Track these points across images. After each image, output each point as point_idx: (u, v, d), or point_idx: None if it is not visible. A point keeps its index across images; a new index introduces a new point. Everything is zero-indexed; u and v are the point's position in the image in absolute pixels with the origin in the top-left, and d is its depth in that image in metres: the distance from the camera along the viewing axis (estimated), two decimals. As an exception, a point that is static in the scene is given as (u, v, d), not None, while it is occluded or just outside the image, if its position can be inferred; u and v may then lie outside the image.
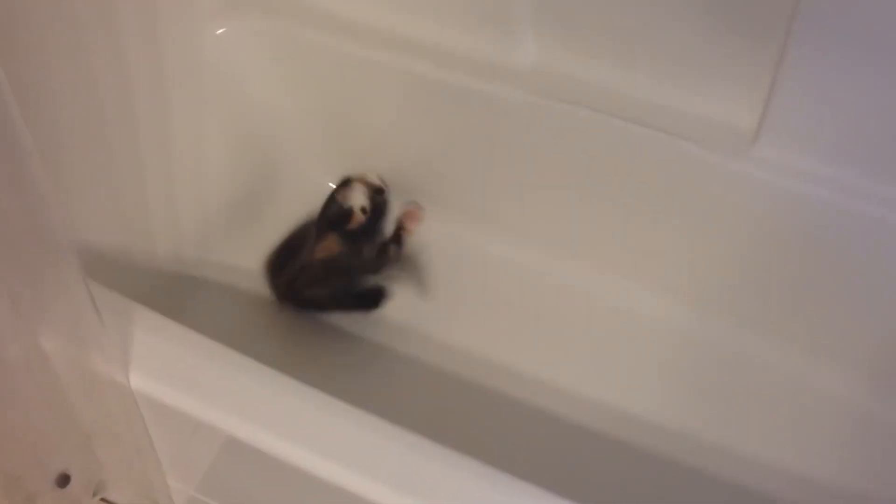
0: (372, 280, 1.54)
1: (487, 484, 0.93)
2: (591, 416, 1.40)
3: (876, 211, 1.27)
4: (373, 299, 1.52)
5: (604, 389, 1.43)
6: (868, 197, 1.27)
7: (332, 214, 1.55)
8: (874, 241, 1.30)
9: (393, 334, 1.51)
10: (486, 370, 1.45)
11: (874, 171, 1.27)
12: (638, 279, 1.53)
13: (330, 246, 1.52)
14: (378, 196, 1.58)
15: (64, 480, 1.12)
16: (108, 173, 1.37)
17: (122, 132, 1.37)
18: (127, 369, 1.02)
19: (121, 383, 1.02)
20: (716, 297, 1.48)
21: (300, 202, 1.63)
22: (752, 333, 1.46)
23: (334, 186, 1.61)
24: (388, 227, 1.60)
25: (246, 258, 1.56)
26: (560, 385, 1.44)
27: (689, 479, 1.34)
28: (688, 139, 1.33)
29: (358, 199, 1.55)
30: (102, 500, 1.26)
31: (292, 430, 0.97)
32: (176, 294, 1.42)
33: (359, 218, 1.54)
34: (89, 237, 1.30)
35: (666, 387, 1.44)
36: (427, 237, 1.62)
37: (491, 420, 1.40)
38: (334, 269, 1.51)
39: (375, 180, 1.59)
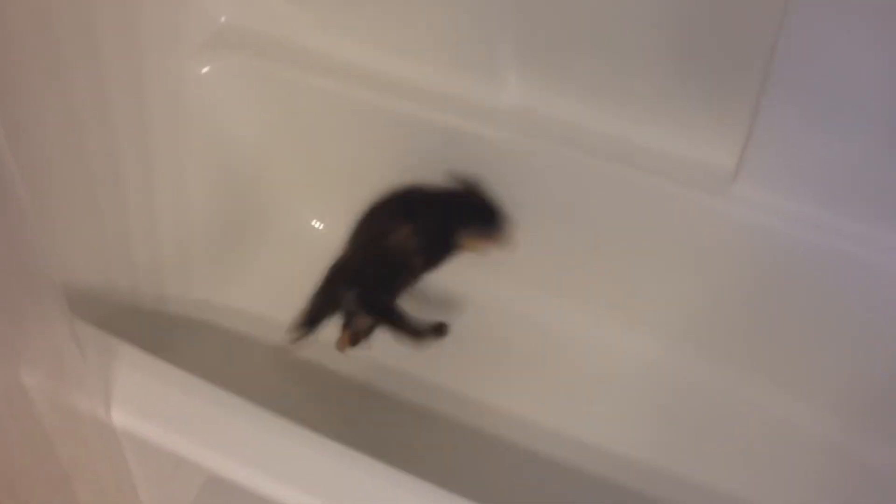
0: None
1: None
2: (569, 452, 1.41)
3: (849, 248, 1.29)
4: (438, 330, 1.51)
5: (578, 425, 1.44)
6: (841, 234, 1.29)
7: None
8: (846, 278, 1.32)
9: (377, 373, 1.50)
10: (462, 406, 1.45)
11: (847, 210, 1.29)
12: (615, 316, 1.54)
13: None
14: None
15: (42, 519, 1.10)
16: (91, 210, 1.37)
17: (104, 169, 1.37)
18: (109, 406, 1.01)
19: (102, 420, 1.01)
20: (693, 333, 1.49)
21: (283, 241, 1.64)
22: (729, 370, 1.47)
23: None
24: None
25: (227, 296, 1.56)
26: (536, 421, 1.44)
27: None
28: (668, 178, 1.35)
29: None
30: (80, 539, 1.24)
31: (275, 468, 0.96)
32: (158, 331, 1.41)
33: None
34: (71, 274, 1.29)
35: (642, 423, 1.45)
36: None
37: (469, 456, 1.41)
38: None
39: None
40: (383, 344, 1.49)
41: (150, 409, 1.01)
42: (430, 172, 1.54)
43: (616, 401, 1.48)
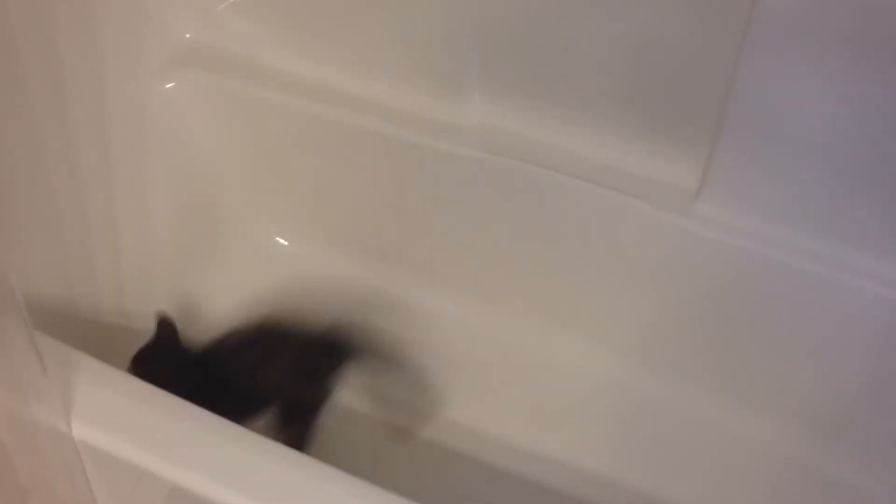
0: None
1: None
2: (530, 467, 1.42)
3: (810, 266, 1.32)
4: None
5: (539, 441, 1.45)
6: (803, 253, 1.32)
7: None
8: (807, 295, 1.34)
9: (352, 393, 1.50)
10: (434, 425, 1.46)
11: (808, 229, 1.32)
12: (577, 334, 1.55)
13: None
14: None
15: (-2, 536, 1.08)
16: (52, 225, 1.35)
17: (65, 184, 1.36)
18: (69, 417, 1.00)
19: (62, 432, 1.00)
20: (655, 351, 1.51)
21: (246, 256, 1.63)
22: (691, 387, 1.49)
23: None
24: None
25: (190, 311, 1.55)
26: (496, 436, 1.45)
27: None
28: (631, 195, 1.37)
29: None
30: (37, 558, 1.22)
31: (238, 479, 0.95)
32: (119, 347, 1.39)
33: None
34: (31, 287, 1.27)
35: (604, 439, 1.47)
36: (368, 293, 1.63)
37: (430, 469, 1.42)
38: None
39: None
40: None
41: (112, 421, 1.00)
42: (393, 188, 1.55)
43: (578, 417, 1.49)
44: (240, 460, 0.97)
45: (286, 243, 1.69)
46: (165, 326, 1.33)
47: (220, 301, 1.57)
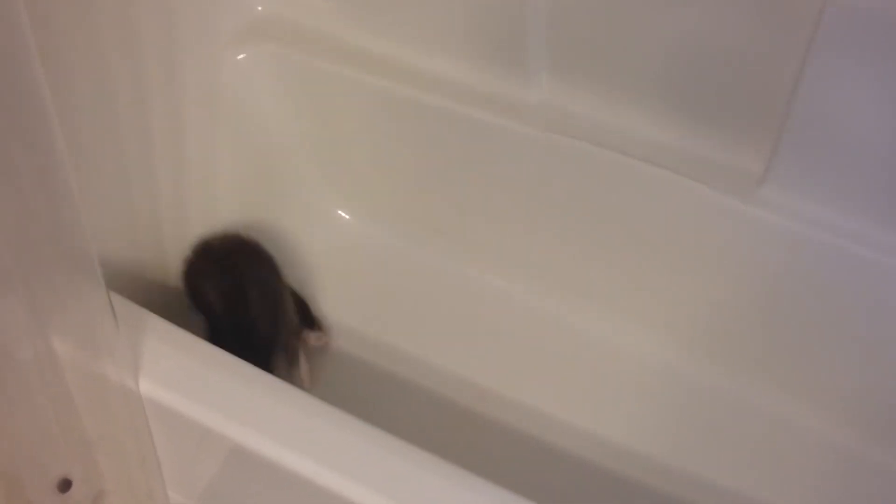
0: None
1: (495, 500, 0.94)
2: (579, 445, 1.43)
3: (871, 255, 1.30)
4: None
5: (591, 421, 1.46)
6: (865, 242, 1.30)
7: None
8: (869, 285, 1.32)
9: (392, 358, 1.53)
10: (476, 396, 1.48)
11: (872, 220, 1.30)
12: (633, 316, 1.55)
13: None
14: None
15: (65, 486, 1.12)
16: (123, 189, 1.39)
17: (137, 148, 1.40)
18: (137, 375, 1.03)
19: (130, 388, 1.03)
20: (709, 335, 1.50)
21: (308, 228, 1.66)
22: (747, 374, 1.48)
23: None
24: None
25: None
26: (550, 414, 1.46)
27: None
28: (694, 179, 1.36)
29: None
30: (100, 509, 1.26)
31: (299, 440, 0.97)
32: (184, 310, 1.43)
33: None
34: (103, 249, 1.31)
35: (654, 422, 1.47)
36: (426, 269, 1.64)
37: (479, 442, 1.43)
38: None
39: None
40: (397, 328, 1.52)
41: (178, 378, 1.03)
42: (454, 165, 1.55)
43: (631, 401, 1.49)
44: (299, 421, 1.00)
45: (348, 217, 1.71)
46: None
47: (283, 270, 1.60)
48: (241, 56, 1.54)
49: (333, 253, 1.66)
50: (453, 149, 1.54)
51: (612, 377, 1.52)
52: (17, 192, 0.87)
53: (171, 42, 1.43)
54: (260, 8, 1.59)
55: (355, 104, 1.58)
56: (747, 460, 1.42)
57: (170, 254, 1.45)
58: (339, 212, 1.70)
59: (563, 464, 1.41)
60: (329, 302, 1.60)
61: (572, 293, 1.58)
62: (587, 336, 1.56)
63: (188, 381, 1.03)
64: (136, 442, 1.12)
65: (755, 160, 1.34)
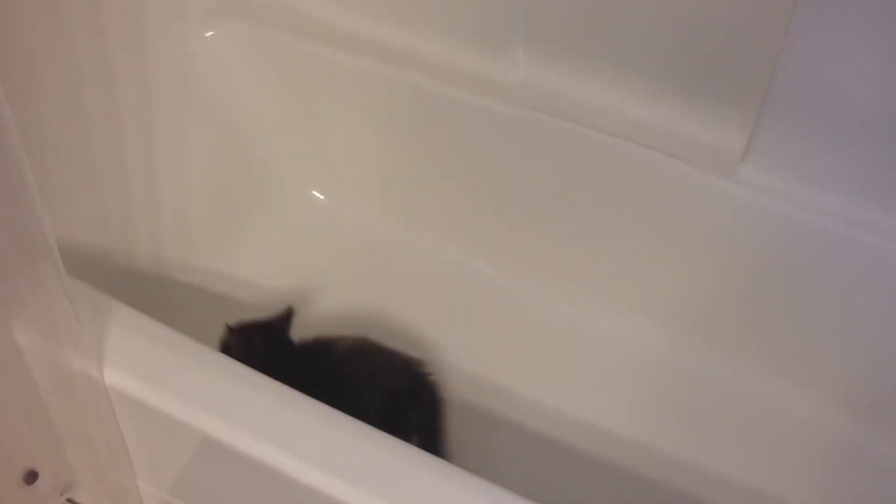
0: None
1: (459, 489, 0.92)
2: (573, 434, 1.40)
3: (858, 234, 1.28)
4: None
5: (584, 409, 1.43)
6: (851, 221, 1.28)
7: None
8: (856, 264, 1.31)
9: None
10: (470, 387, 1.45)
11: (853, 197, 1.28)
12: (622, 302, 1.53)
13: None
14: None
15: (31, 477, 1.10)
16: (90, 172, 1.36)
17: (106, 131, 1.36)
18: (102, 365, 1.00)
19: (95, 379, 1.01)
20: (699, 320, 1.48)
21: (282, 209, 1.63)
22: (732, 356, 1.46)
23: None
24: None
25: (225, 263, 1.55)
26: (542, 402, 1.44)
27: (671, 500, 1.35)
28: (675, 157, 1.34)
29: None
30: (69, 500, 1.24)
31: (269, 430, 0.95)
32: (154, 297, 1.40)
33: None
34: (68, 236, 1.28)
35: (648, 409, 1.45)
36: (403, 250, 1.62)
37: (478, 435, 1.40)
38: None
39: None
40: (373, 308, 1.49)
41: (144, 368, 1.00)
42: (431, 144, 1.53)
43: (619, 385, 1.48)
44: (269, 410, 0.97)
45: (322, 197, 1.68)
46: (287, 317, 1.33)
47: (254, 252, 1.57)
48: (210, 33, 1.51)
49: (307, 233, 1.63)
50: (430, 128, 1.51)
51: (600, 362, 1.50)
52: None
53: (139, 20, 1.39)
54: (229, -15, 1.55)
55: (328, 83, 1.54)
56: (737, 444, 1.40)
57: (140, 238, 1.42)
58: (314, 192, 1.67)
59: (554, 451, 1.39)
60: (304, 283, 1.57)
61: (553, 276, 1.56)
62: (571, 320, 1.54)
63: (154, 370, 1.00)
64: (103, 432, 1.09)
65: (735, 139, 1.32)
